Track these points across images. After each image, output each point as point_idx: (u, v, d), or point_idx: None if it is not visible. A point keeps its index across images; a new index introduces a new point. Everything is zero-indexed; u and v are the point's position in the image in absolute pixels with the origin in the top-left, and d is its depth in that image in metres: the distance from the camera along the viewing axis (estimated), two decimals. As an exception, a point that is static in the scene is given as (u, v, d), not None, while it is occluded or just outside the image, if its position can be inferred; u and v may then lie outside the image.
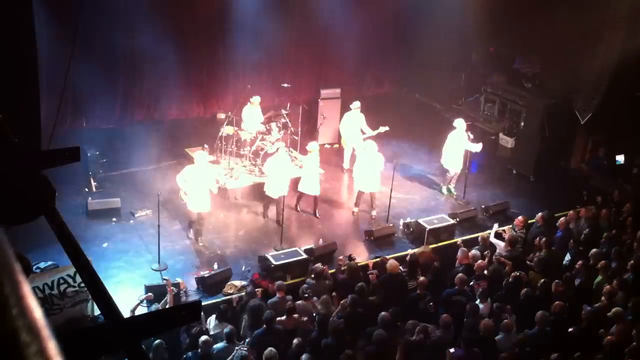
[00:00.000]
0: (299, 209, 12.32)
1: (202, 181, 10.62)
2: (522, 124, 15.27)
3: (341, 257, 10.14)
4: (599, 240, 10.66)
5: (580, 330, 8.14)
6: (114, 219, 11.58)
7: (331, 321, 8.25)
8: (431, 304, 8.63)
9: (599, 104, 13.50)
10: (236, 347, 7.62)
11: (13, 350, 0.71)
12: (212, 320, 8.57)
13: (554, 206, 12.26)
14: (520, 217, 11.31)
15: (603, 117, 13.54)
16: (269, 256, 10.27)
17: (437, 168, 14.08)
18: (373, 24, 16.31)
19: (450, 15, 15.23)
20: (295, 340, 7.75)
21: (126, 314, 7.87)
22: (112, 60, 13.89)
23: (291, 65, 15.27)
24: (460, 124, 12.97)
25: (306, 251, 10.56)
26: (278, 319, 8.20)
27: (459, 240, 10.81)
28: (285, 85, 14.04)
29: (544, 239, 10.38)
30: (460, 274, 9.18)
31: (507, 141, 15.47)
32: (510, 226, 11.36)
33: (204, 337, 7.59)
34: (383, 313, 8.23)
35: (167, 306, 8.45)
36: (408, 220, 11.95)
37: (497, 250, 10.43)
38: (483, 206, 12.86)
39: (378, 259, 10.24)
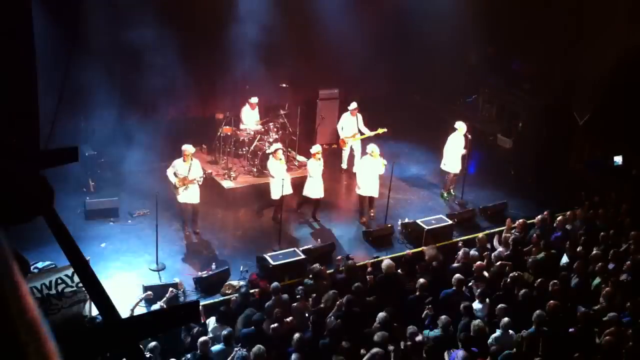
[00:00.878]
0: (299, 211, 12.25)
1: (189, 174, 10.97)
2: (520, 124, 15.29)
3: (339, 257, 10.15)
4: (595, 241, 10.68)
5: (578, 331, 8.15)
6: (112, 219, 11.58)
7: (328, 322, 8.25)
8: (430, 306, 8.60)
9: (597, 105, 13.52)
10: (235, 349, 7.62)
11: (12, 349, 0.71)
12: (211, 322, 8.56)
13: (552, 207, 12.27)
14: (520, 221, 11.30)
15: (601, 118, 13.56)
16: (267, 256, 10.27)
17: (435, 169, 14.08)
18: (371, 25, 16.29)
19: (449, 16, 15.23)
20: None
21: (124, 314, 7.87)
22: (110, 60, 13.86)
23: (290, 66, 15.26)
24: (461, 126, 12.98)
25: (304, 251, 10.56)
26: (272, 326, 8.16)
27: (460, 243, 10.77)
28: (284, 85, 14.04)
29: (542, 241, 10.40)
30: (457, 275, 9.18)
31: (505, 142, 15.48)
32: (511, 227, 11.35)
33: (202, 338, 7.58)
34: (381, 313, 8.23)
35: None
36: (406, 220, 11.95)
37: (496, 252, 10.41)
38: (481, 207, 12.87)
39: (376, 260, 10.24)
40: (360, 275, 9.69)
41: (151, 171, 12.79)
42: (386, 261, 9.76)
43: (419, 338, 7.90)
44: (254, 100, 13.24)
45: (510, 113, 15.91)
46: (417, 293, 9.09)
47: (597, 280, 9.48)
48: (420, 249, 10.94)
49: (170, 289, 8.94)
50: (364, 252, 11.35)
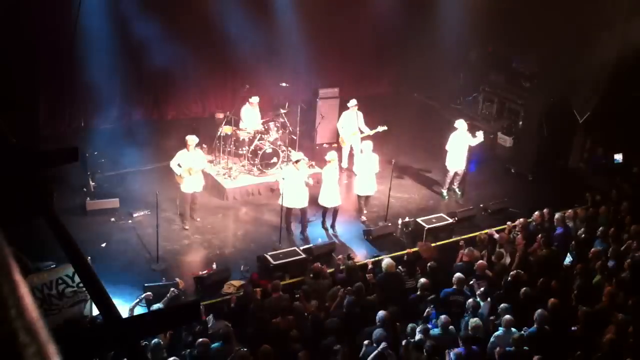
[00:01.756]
0: (326, 226, 11.89)
1: (194, 164, 11.15)
2: (521, 123, 15.30)
3: (340, 257, 10.15)
4: (595, 239, 10.68)
5: (580, 329, 8.15)
6: (113, 219, 11.57)
7: (329, 321, 8.25)
8: (432, 305, 8.60)
9: (598, 103, 13.51)
10: (235, 348, 7.61)
11: (12, 351, 0.71)
12: (209, 319, 8.56)
13: (552, 205, 12.26)
14: (521, 220, 11.30)
15: (601, 116, 13.56)
16: (268, 256, 10.27)
17: (435, 168, 14.08)
18: (371, 24, 16.31)
19: (449, 14, 15.24)
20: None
21: (125, 314, 7.87)
22: (110, 60, 13.88)
23: (290, 65, 15.27)
24: (461, 124, 12.97)
25: (305, 251, 10.56)
26: (273, 320, 8.18)
27: (462, 242, 10.76)
28: (284, 84, 14.05)
29: (543, 238, 10.39)
30: (458, 274, 9.18)
31: (505, 140, 15.49)
32: (512, 225, 11.35)
33: (200, 339, 7.56)
34: (381, 312, 8.23)
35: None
36: (407, 219, 11.95)
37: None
38: (482, 205, 12.88)
39: (376, 259, 10.24)
40: (360, 274, 9.69)
41: (151, 171, 12.80)
42: (386, 260, 9.76)
43: (418, 337, 7.90)
44: (255, 99, 13.24)
45: (510, 111, 15.91)
46: (418, 292, 9.09)
47: (597, 278, 9.48)
48: (419, 243, 10.92)
49: (171, 288, 8.95)
50: (364, 251, 11.35)
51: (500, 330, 8.06)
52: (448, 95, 17.60)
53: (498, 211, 12.73)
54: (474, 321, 7.99)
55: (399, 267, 9.82)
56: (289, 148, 13.56)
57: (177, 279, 9.63)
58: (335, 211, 11.73)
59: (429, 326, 8.33)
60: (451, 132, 13.07)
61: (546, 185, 13.77)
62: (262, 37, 14.60)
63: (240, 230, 11.81)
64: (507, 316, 8.12)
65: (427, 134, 15.47)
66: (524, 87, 15.63)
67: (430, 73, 17.01)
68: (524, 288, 8.95)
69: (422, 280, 9.20)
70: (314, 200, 11.60)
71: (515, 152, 15.01)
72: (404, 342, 7.79)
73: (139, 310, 8.60)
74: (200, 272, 10.09)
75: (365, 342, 7.72)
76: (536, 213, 11.38)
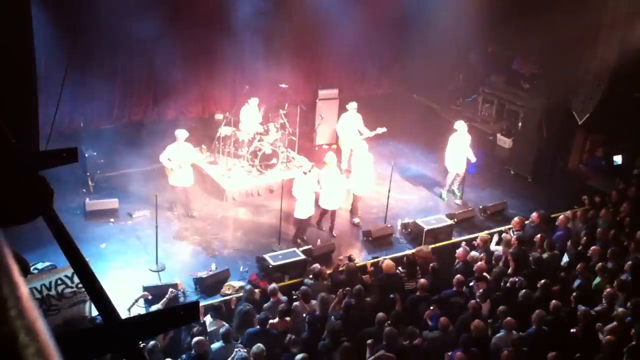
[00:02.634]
0: (324, 228, 11.84)
1: (184, 157, 11.32)
2: (520, 124, 15.30)
3: (340, 258, 10.14)
4: (595, 241, 10.67)
5: (580, 331, 8.14)
6: (112, 220, 11.58)
7: (329, 322, 8.25)
8: (432, 307, 8.59)
9: (597, 105, 13.52)
10: (235, 348, 7.60)
11: (12, 351, 0.71)
12: (207, 319, 8.55)
13: (551, 207, 12.28)
14: (516, 219, 11.33)
15: (601, 117, 13.57)
16: (267, 257, 10.27)
17: (435, 168, 14.09)
18: (371, 25, 16.30)
19: (449, 15, 15.24)
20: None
21: (124, 314, 7.86)
22: (110, 60, 13.88)
23: (289, 66, 15.27)
24: (461, 126, 12.97)
25: (304, 252, 10.56)
26: (271, 321, 8.18)
27: (463, 243, 10.75)
28: (283, 85, 14.05)
29: (545, 240, 10.37)
30: (458, 275, 9.18)
31: (504, 142, 15.49)
32: (508, 227, 11.35)
33: (196, 338, 7.53)
34: (380, 314, 8.23)
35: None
36: (406, 220, 11.95)
37: (497, 253, 10.37)
38: (481, 206, 12.88)
39: (376, 260, 10.24)
40: (360, 276, 9.68)
41: (151, 171, 12.79)
42: (386, 261, 9.76)
43: (418, 339, 7.91)
44: (254, 101, 13.24)
45: (510, 113, 15.91)
46: (418, 293, 9.09)
47: (597, 280, 9.48)
48: (416, 248, 10.92)
49: (170, 289, 8.94)
50: (364, 252, 11.35)
51: (501, 332, 8.06)
52: (447, 96, 17.61)
53: (497, 213, 12.73)
54: (474, 323, 7.99)
55: (399, 268, 9.82)
56: (289, 149, 13.56)
57: (176, 280, 9.62)
58: (333, 214, 11.67)
59: (431, 326, 8.34)
60: (450, 134, 13.08)
61: (545, 187, 13.78)
62: (262, 38, 14.59)
63: (239, 231, 11.80)
64: (508, 318, 8.12)
65: (427, 135, 15.47)
66: (523, 88, 15.64)
67: (429, 74, 17.01)
68: (524, 290, 8.95)
69: (422, 280, 9.20)
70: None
71: (514, 153, 15.01)
72: (403, 344, 7.80)
73: (138, 311, 8.60)
74: (199, 273, 10.08)
75: (369, 341, 7.74)
76: (533, 214, 11.37)
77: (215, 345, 7.77)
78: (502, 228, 11.56)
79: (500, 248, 10.58)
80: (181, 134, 11.45)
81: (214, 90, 15.75)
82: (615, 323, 8.08)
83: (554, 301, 8.48)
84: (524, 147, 14.67)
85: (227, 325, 8.15)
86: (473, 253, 10.21)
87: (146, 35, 13.07)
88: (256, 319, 8.20)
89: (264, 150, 12.81)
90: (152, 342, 7.60)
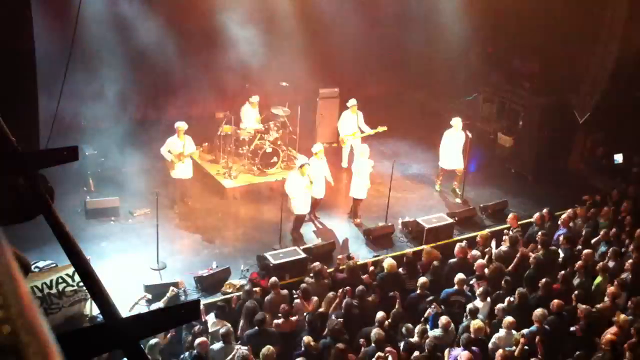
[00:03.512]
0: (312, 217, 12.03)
1: (183, 150, 11.51)
2: (521, 123, 15.27)
3: (340, 257, 10.14)
4: (597, 240, 10.67)
5: (580, 329, 8.15)
6: (113, 218, 11.58)
7: (330, 321, 8.25)
8: (433, 305, 8.59)
9: (598, 104, 13.51)
10: (235, 348, 7.61)
11: (13, 349, 0.71)
12: (210, 318, 8.56)
13: (552, 205, 12.26)
14: (511, 215, 11.33)
15: (601, 116, 13.56)
16: (267, 255, 10.27)
17: (435, 167, 14.07)
18: (371, 23, 16.29)
19: (449, 14, 15.22)
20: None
21: (125, 313, 7.87)
22: (110, 59, 13.86)
23: (290, 65, 15.25)
24: (456, 122, 12.98)
25: (305, 250, 10.56)
26: (275, 321, 8.17)
27: (465, 242, 10.74)
28: (284, 84, 14.03)
29: (541, 238, 10.37)
30: (460, 274, 9.17)
31: (505, 140, 15.47)
32: (507, 226, 11.35)
33: (199, 339, 7.55)
34: (380, 313, 8.23)
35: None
36: (407, 219, 11.95)
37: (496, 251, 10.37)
38: (481, 205, 12.87)
39: (377, 258, 10.23)
40: (361, 275, 9.69)
41: (151, 170, 12.79)
42: (388, 260, 9.76)
43: (417, 338, 7.91)
44: (255, 99, 13.23)
45: (510, 111, 15.89)
46: (419, 292, 9.09)
47: (598, 279, 9.47)
48: (420, 247, 10.92)
49: (171, 288, 8.95)
50: (365, 251, 11.35)
51: (502, 332, 8.06)
52: (448, 95, 17.58)
53: (498, 211, 12.72)
54: (475, 322, 7.99)
55: (400, 268, 9.82)
56: (289, 148, 13.55)
57: (177, 279, 9.63)
58: (316, 202, 11.83)
59: (429, 326, 8.34)
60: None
61: (546, 186, 13.77)
62: (262, 36, 14.58)
63: (240, 229, 11.80)
64: (509, 317, 8.12)
65: (427, 134, 15.45)
66: (524, 87, 15.61)
67: (430, 73, 16.99)
68: (521, 288, 8.95)
69: (422, 279, 9.20)
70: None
71: (515, 152, 15.00)
72: (402, 343, 7.80)
73: (139, 310, 8.60)
74: (200, 272, 10.09)
75: (361, 341, 7.74)
76: (536, 215, 11.35)
77: (216, 346, 7.78)
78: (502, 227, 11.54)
79: (501, 247, 10.57)
80: (181, 126, 11.61)
81: (215, 89, 15.73)
82: (616, 329, 8.04)
83: (557, 301, 8.48)
84: (525, 146, 14.66)
85: (228, 325, 8.16)
86: (474, 252, 10.20)
87: (147, 34, 13.08)
88: (255, 320, 8.20)
89: (265, 148, 12.80)
90: (152, 341, 7.60)
